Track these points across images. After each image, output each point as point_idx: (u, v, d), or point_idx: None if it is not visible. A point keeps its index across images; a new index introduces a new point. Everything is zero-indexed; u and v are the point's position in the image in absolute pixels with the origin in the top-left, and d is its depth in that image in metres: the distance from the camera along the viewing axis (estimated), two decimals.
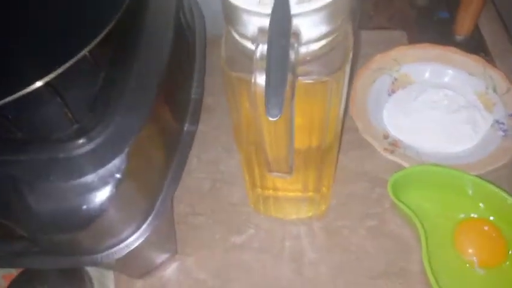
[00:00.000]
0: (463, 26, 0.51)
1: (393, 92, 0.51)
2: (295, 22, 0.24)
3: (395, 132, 0.47)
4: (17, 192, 0.31)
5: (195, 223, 0.45)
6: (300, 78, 0.26)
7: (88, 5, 0.34)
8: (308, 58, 0.26)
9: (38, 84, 0.29)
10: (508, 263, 0.39)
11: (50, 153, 0.32)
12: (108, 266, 0.41)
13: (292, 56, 0.22)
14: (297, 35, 0.24)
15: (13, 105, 0.29)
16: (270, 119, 0.19)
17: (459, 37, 0.52)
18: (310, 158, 0.34)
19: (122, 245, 0.36)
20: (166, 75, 0.39)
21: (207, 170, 0.48)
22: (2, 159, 0.32)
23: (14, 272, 0.40)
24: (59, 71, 0.30)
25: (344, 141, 0.49)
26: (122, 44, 0.38)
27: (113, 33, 0.33)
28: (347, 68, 0.28)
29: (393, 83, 0.51)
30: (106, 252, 0.36)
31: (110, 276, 0.42)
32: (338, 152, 0.44)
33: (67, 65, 0.31)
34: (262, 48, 0.22)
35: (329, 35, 0.26)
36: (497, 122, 0.46)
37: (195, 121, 0.43)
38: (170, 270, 0.43)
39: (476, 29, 0.55)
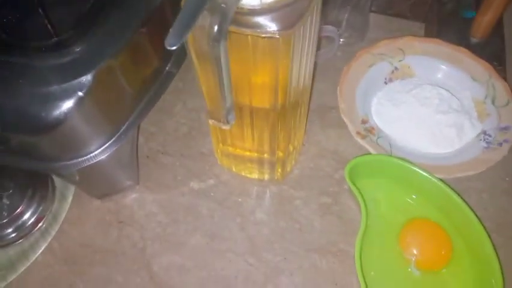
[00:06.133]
0: (479, 29, 0.48)
1: (390, 80, 0.50)
2: None
3: (378, 120, 0.46)
4: None
5: (162, 161, 0.47)
6: (246, 29, 0.27)
7: None
8: (259, 8, 0.26)
9: None
10: (445, 270, 0.38)
11: (26, 59, 0.35)
12: (71, 181, 0.44)
13: None
14: None
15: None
16: (166, 47, 0.20)
17: (474, 40, 0.50)
18: (264, 119, 0.35)
19: (80, 159, 0.38)
20: (156, 13, 0.40)
21: (188, 117, 0.50)
22: None
23: None
24: None
25: (326, 118, 0.49)
26: None
27: None
28: (302, 30, 0.28)
29: (392, 72, 0.50)
30: (67, 163, 0.38)
31: (71, 190, 0.45)
32: (306, 121, 0.44)
33: None
34: None
35: None
36: (484, 132, 0.45)
37: (178, 64, 0.44)
38: (128, 199, 0.45)
39: (499, 35, 0.52)
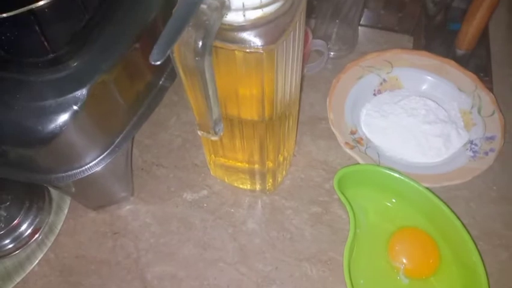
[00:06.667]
0: (464, 41, 0.50)
1: (379, 92, 0.51)
2: None
3: (366, 131, 0.48)
4: None
5: (156, 173, 0.48)
6: (232, 45, 0.28)
7: None
8: (243, 24, 0.28)
9: (20, 10, 0.33)
10: (433, 278, 0.39)
11: (24, 75, 0.36)
12: (67, 192, 0.45)
13: (206, 14, 0.24)
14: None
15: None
16: (150, 62, 0.21)
17: (460, 51, 0.51)
18: (253, 130, 0.36)
19: (75, 171, 0.39)
20: (149, 29, 0.41)
21: (182, 129, 0.51)
22: None
23: None
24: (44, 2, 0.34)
25: (316, 129, 0.50)
26: None
27: None
28: (285, 44, 0.29)
29: (381, 83, 0.51)
30: (62, 174, 0.39)
31: (67, 201, 0.46)
32: (296, 132, 0.45)
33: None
34: None
35: (266, 5, 0.27)
36: (470, 142, 0.46)
37: (172, 78, 0.45)
38: (123, 210, 0.46)
39: (485, 47, 0.53)
